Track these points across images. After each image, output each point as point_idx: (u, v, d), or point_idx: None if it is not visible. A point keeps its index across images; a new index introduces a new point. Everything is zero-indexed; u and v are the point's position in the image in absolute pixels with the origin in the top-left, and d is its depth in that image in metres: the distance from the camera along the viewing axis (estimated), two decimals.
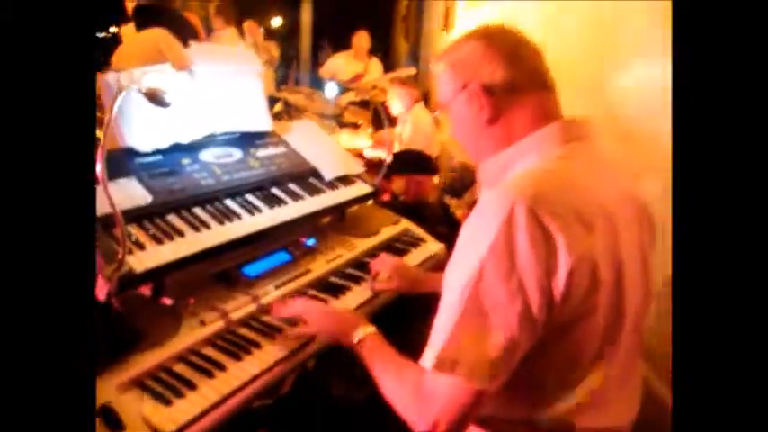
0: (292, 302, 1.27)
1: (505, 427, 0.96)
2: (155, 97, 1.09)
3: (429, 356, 0.87)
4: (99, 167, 0.97)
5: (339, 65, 4.94)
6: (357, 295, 1.46)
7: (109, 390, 0.99)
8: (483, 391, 0.84)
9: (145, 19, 2.30)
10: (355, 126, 4.11)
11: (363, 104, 4.17)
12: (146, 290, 1.23)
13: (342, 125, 3.98)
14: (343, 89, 3.94)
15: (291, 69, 5.93)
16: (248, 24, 4.94)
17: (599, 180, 0.94)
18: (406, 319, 1.50)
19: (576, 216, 0.83)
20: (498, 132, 0.98)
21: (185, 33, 2.25)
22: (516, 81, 0.96)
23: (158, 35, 2.20)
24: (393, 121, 3.61)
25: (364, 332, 1.11)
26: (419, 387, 0.90)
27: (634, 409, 1.05)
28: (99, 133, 1.18)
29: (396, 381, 1.00)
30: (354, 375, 1.66)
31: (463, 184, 3.08)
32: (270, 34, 6.07)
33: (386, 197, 2.71)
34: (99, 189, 1.16)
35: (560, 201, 0.84)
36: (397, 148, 3.31)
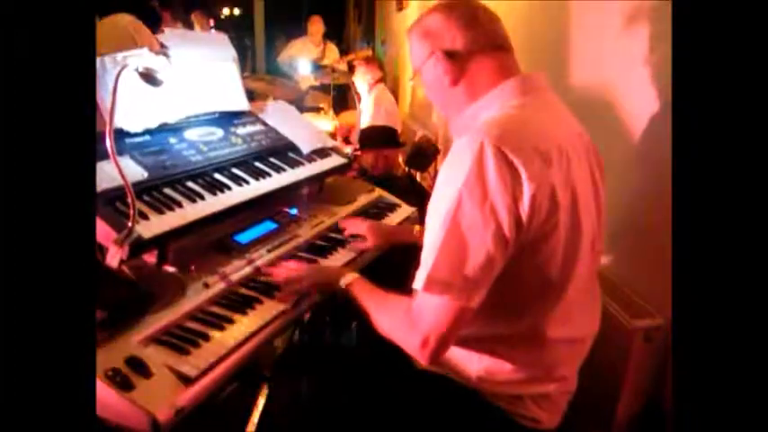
0: (284, 265, 1.40)
1: (484, 343, 1.10)
2: (150, 77, 1.17)
3: (419, 279, 0.99)
4: (108, 145, 1.06)
5: (297, 50, 4.99)
6: (342, 255, 1.58)
7: (132, 346, 1.08)
8: (467, 307, 0.97)
9: (107, 5, 2.32)
10: (317, 110, 4.20)
11: (324, 88, 4.26)
12: (150, 259, 1.32)
13: (303, 110, 4.06)
14: (317, 66, 4.01)
15: (247, 58, 5.94)
16: (195, 15, 4.94)
17: (552, 122, 1.09)
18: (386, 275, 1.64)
19: (534, 151, 0.97)
20: (463, 91, 1.13)
21: (150, 20, 2.30)
22: (475, 45, 1.10)
23: (127, 21, 2.24)
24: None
25: (351, 277, 1.26)
26: (409, 310, 1.03)
27: (596, 322, 1.21)
28: None
29: (386, 310, 1.14)
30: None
31: (426, 157, 3.22)
32: (221, 24, 6.05)
33: (352, 174, 2.83)
34: (99, 165, 1.25)
35: (521, 138, 0.98)
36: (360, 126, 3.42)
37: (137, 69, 1.17)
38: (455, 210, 0.95)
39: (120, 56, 1.41)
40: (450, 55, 1.10)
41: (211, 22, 5.37)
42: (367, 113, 3.63)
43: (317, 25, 5.03)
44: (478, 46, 1.10)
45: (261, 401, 1.72)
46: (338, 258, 1.56)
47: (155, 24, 2.27)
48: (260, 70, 5.36)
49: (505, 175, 0.94)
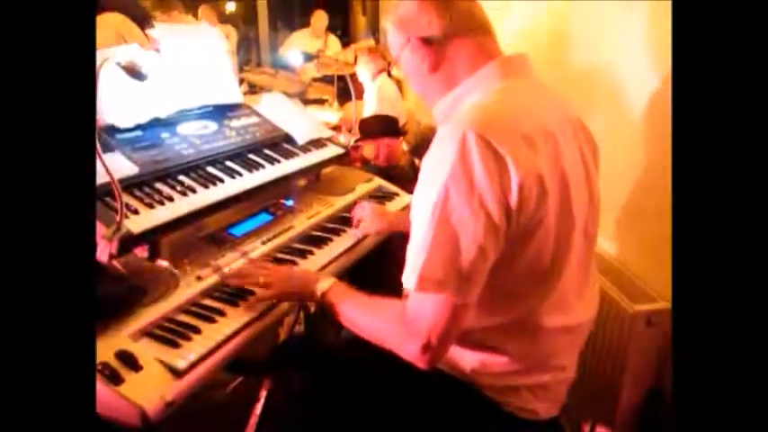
0: (249, 270, 1.31)
1: (477, 335, 1.07)
2: (133, 70, 1.17)
3: (410, 279, 0.95)
4: None
5: (298, 42, 4.99)
6: (339, 245, 1.57)
7: (122, 340, 1.08)
8: (464, 303, 0.94)
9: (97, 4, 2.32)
10: (321, 102, 4.18)
11: (328, 80, 4.24)
12: (143, 254, 1.32)
13: (307, 102, 4.05)
14: (308, 56, 3.99)
15: (252, 52, 5.95)
16: (203, 9, 4.96)
17: (537, 105, 1.05)
18: (386, 264, 1.62)
19: (520, 137, 0.94)
20: (443, 77, 1.09)
21: (139, 18, 2.30)
22: (451, 29, 1.06)
23: (117, 20, 2.24)
24: (360, 94, 3.70)
25: (327, 283, 1.19)
26: (402, 313, 0.99)
27: (593, 308, 1.18)
28: None
29: (374, 315, 1.10)
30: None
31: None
32: (226, 19, 6.05)
33: (357, 164, 2.82)
34: None
35: (505, 125, 0.95)
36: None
37: (119, 63, 1.17)
38: (442, 205, 0.91)
39: (107, 51, 1.41)
40: (427, 41, 1.07)
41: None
42: (370, 104, 3.60)
43: (320, 19, 5.03)
44: (455, 30, 1.06)
45: (263, 394, 1.72)
46: (334, 248, 1.55)
47: (144, 22, 2.27)
48: (264, 63, 5.35)
49: (491, 165, 0.90)
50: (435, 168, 0.95)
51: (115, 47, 1.42)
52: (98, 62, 1.38)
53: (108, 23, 2.26)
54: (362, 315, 1.12)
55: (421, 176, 1.00)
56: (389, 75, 3.97)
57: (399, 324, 1.00)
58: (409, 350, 0.98)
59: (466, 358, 1.09)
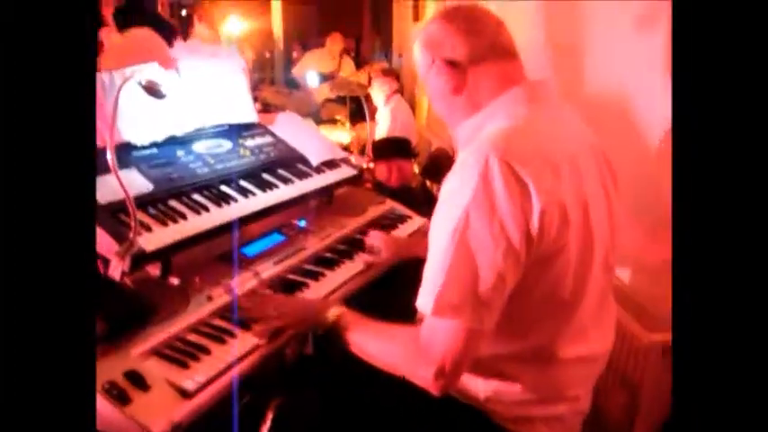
0: (258, 301, 1.29)
1: (492, 363, 1.05)
2: (152, 89, 1.18)
3: (426, 303, 0.94)
4: (110, 157, 1.06)
5: (313, 63, 5.05)
6: (350, 268, 1.56)
7: (131, 359, 1.07)
8: (480, 330, 0.93)
9: (125, 20, 2.37)
10: (333, 122, 4.21)
11: (340, 101, 4.27)
12: (154, 271, 1.32)
13: (320, 122, 4.07)
14: (324, 78, 4.03)
15: (267, 71, 6.03)
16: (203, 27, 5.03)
17: (561, 132, 1.05)
18: (398, 288, 1.61)
19: (543, 163, 0.93)
20: (466, 100, 1.09)
21: (165, 33, 2.33)
22: (476, 53, 1.06)
23: (145, 35, 2.26)
24: (372, 116, 3.73)
25: (338, 310, 1.17)
26: (415, 338, 0.98)
27: (610, 339, 1.16)
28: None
29: (386, 341, 1.08)
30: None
31: (442, 168, 3.19)
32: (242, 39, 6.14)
33: (368, 185, 2.82)
34: (104, 178, 1.25)
35: (529, 151, 0.94)
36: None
37: (140, 83, 1.18)
38: (462, 229, 0.90)
39: (128, 71, 1.42)
40: (452, 64, 1.07)
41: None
42: (383, 125, 3.62)
43: (336, 42, 5.10)
44: (480, 54, 1.06)
45: (270, 415, 1.70)
46: (345, 271, 1.54)
47: (170, 38, 2.30)
48: (278, 82, 5.42)
49: (514, 191, 0.89)
50: (456, 192, 0.94)
51: (132, 67, 1.44)
52: (119, 81, 1.40)
53: (134, 38, 2.28)
54: (374, 341, 1.10)
55: (441, 199, 0.99)
56: (402, 96, 4.00)
57: (412, 349, 0.99)
58: (422, 375, 0.96)
59: (479, 386, 1.07)
